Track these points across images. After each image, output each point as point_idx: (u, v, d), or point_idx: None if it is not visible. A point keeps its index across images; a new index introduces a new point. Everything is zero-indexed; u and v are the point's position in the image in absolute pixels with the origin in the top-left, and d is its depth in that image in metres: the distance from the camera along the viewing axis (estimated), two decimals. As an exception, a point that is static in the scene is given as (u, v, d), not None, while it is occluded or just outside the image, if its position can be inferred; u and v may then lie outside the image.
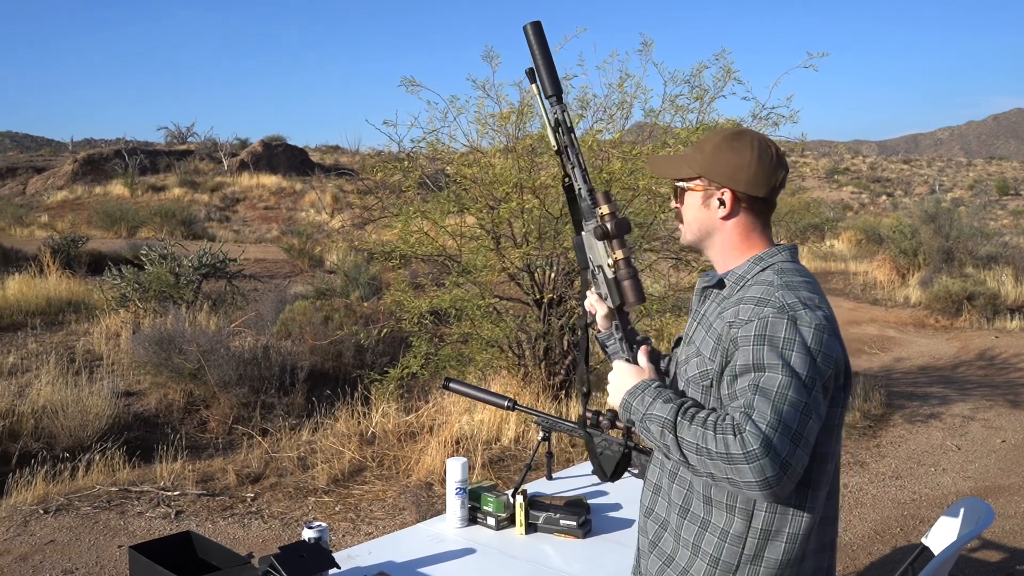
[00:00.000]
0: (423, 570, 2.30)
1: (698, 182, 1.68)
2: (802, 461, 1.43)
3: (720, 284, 1.69)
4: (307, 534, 2.10)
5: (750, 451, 1.39)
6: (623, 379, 1.67)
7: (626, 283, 1.76)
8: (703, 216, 1.69)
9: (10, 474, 5.24)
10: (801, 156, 43.75)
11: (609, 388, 1.70)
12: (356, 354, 8.05)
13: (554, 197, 5.99)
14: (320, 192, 27.87)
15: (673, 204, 1.76)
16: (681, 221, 1.74)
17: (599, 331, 1.90)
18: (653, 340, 1.99)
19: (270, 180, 30.48)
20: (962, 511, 2.77)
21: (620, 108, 6.10)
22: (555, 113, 1.84)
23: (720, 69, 6.08)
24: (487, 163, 6.09)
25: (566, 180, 1.87)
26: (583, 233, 1.85)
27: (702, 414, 1.50)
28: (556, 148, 1.88)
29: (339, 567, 1.94)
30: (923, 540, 2.91)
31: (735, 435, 1.41)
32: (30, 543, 4.41)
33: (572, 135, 1.85)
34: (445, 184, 6.46)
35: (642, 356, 1.72)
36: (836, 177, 47.77)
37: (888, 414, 7.16)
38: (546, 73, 1.84)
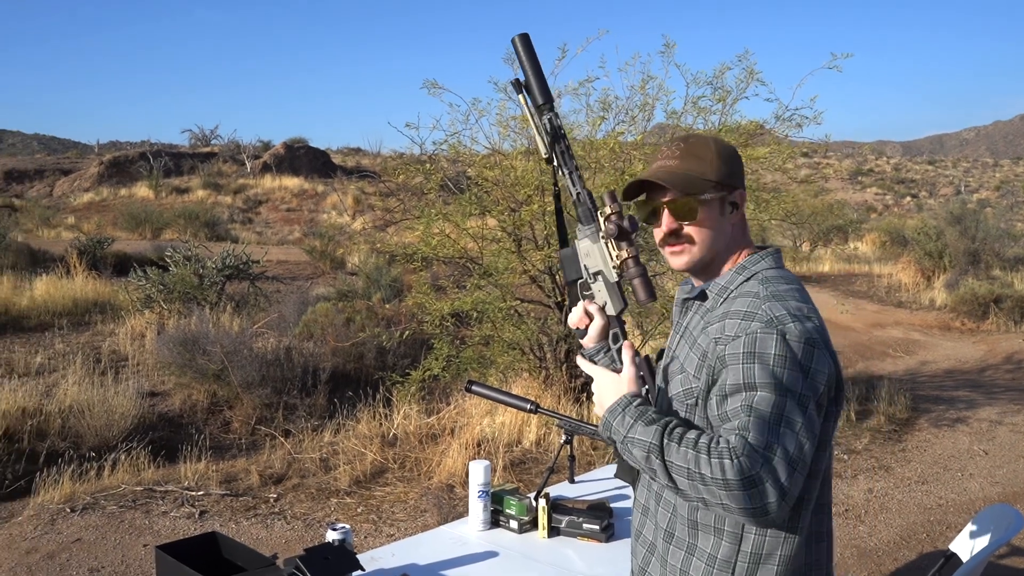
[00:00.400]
0: (446, 572, 2.30)
1: (713, 191, 1.60)
2: (799, 485, 1.38)
3: (703, 295, 1.63)
4: (331, 536, 2.11)
5: (747, 477, 1.33)
6: (604, 393, 1.56)
7: (636, 281, 1.67)
8: (721, 226, 1.61)
9: (38, 473, 5.31)
10: (824, 157, 43.42)
11: (594, 401, 1.60)
12: (378, 356, 8.08)
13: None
14: (342, 194, 28.03)
15: (671, 226, 1.62)
16: (686, 243, 1.62)
17: (586, 347, 1.78)
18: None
19: (292, 182, 30.71)
20: (991, 517, 2.73)
21: (642, 110, 6.08)
22: (548, 121, 1.81)
23: (743, 70, 6.06)
24: (508, 166, 6.09)
25: (555, 189, 1.85)
26: (578, 241, 1.76)
27: (691, 435, 1.42)
28: (547, 157, 1.84)
29: (363, 569, 1.95)
30: (951, 547, 2.87)
31: (732, 459, 1.34)
32: (57, 541, 4.46)
33: (566, 142, 1.83)
34: (466, 186, 6.47)
35: (627, 360, 1.59)
36: (860, 178, 47.34)
37: (913, 418, 7.08)
38: (536, 83, 1.83)
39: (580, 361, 1.70)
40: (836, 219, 16.99)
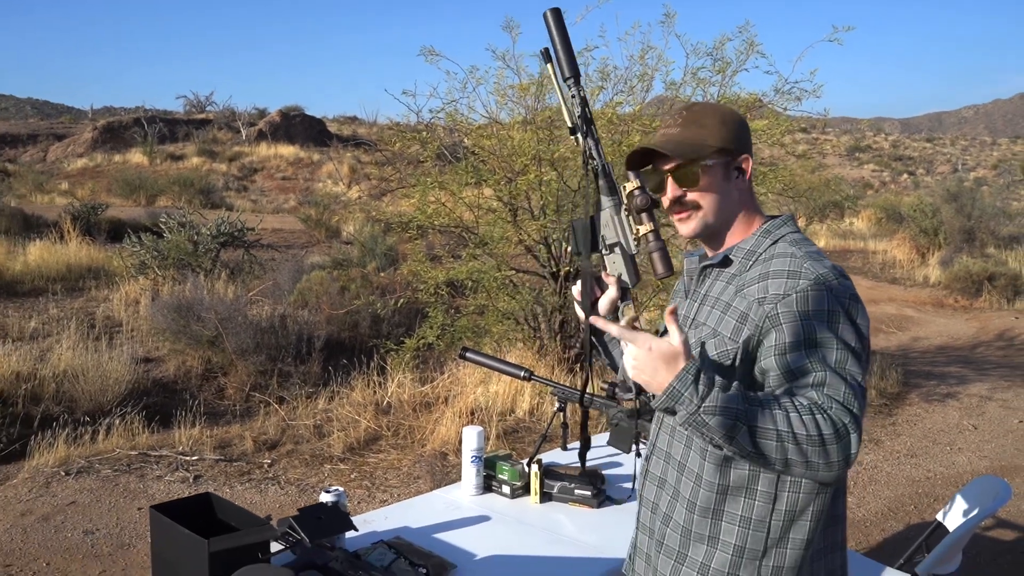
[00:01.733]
0: (439, 536, 2.32)
1: (720, 156, 1.60)
2: (858, 443, 1.42)
3: (726, 261, 1.63)
4: (325, 498, 2.12)
5: (840, 429, 1.36)
6: (657, 362, 1.42)
7: (655, 254, 1.66)
8: (727, 191, 1.62)
9: (32, 436, 5.33)
10: (823, 133, 43.26)
11: (635, 370, 1.46)
12: (372, 324, 8.09)
13: (572, 170, 5.96)
14: (337, 163, 27.87)
15: (675, 193, 1.63)
16: (691, 210, 1.62)
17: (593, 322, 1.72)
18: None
19: (288, 150, 30.51)
20: (979, 488, 2.76)
21: (641, 80, 6.04)
22: (575, 94, 1.83)
23: (743, 42, 6.01)
24: (505, 135, 6.06)
25: (591, 161, 1.84)
26: (602, 211, 1.80)
27: (771, 398, 1.40)
28: (572, 127, 1.85)
29: (356, 529, 1.96)
30: (938, 517, 2.91)
31: (824, 416, 1.36)
32: (52, 504, 4.49)
33: (590, 114, 1.85)
34: (463, 155, 6.43)
35: (675, 329, 1.45)
36: (857, 155, 47.22)
37: (905, 393, 7.13)
38: (564, 56, 1.85)
39: (605, 324, 1.59)
40: (833, 194, 16.94)
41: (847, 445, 1.37)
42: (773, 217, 1.66)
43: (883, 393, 6.94)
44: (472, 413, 5.71)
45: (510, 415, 5.91)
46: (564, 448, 3.09)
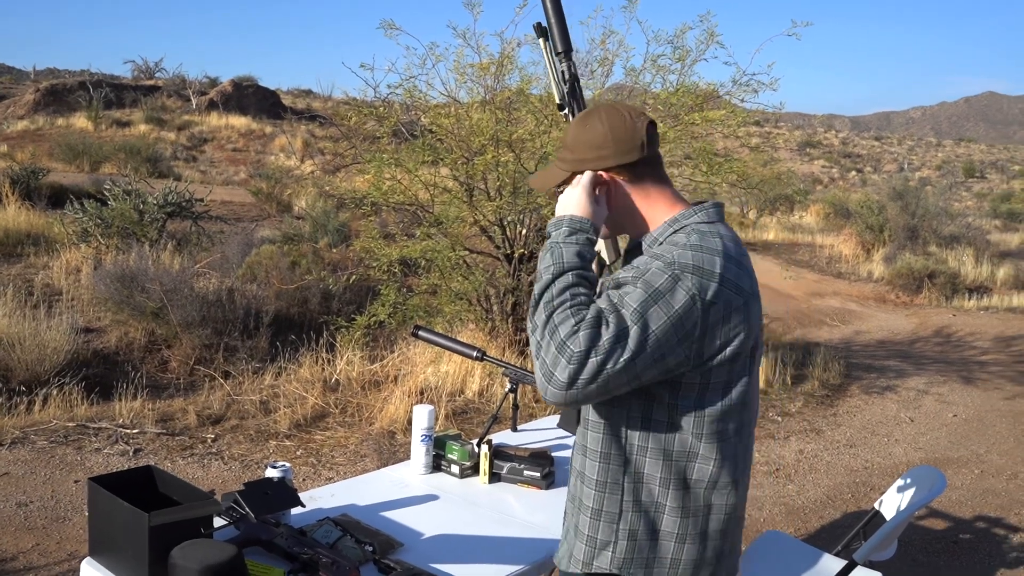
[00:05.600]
0: (386, 514, 2.30)
1: (577, 176, 1.64)
2: (589, 396, 1.43)
3: (638, 247, 1.66)
4: (271, 473, 2.08)
5: (576, 351, 1.39)
6: (572, 203, 1.59)
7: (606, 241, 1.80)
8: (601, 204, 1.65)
9: (-37, 405, 5.15)
10: (775, 127, 43.91)
11: (564, 196, 1.62)
12: (322, 301, 7.98)
13: (530, 152, 5.94)
14: (291, 136, 27.39)
15: None
16: None
17: None
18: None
19: (239, 121, 29.85)
20: (916, 477, 2.84)
21: (601, 64, 6.04)
22: (565, 70, 1.85)
23: (704, 31, 6.05)
24: (464, 114, 6.01)
25: None
26: None
27: (583, 291, 1.48)
28: (560, 104, 1.88)
29: (303, 505, 1.93)
30: (876, 505, 2.98)
31: (576, 325, 1.41)
32: (-17, 474, 4.35)
33: (580, 91, 1.87)
34: (420, 133, 6.36)
35: (605, 210, 1.63)
36: (808, 150, 48.07)
37: (846, 384, 7.30)
38: (558, 31, 1.87)
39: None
40: (784, 188, 17.21)
41: (561, 367, 1.39)
42: (698, 203, 1.65)
43: (825, 384, 7.10)
44: (422, 393, 5.69)
45: (460, 395, 5.90)
46: (514, 429, 3.08)
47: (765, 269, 11.57)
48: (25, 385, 5.65)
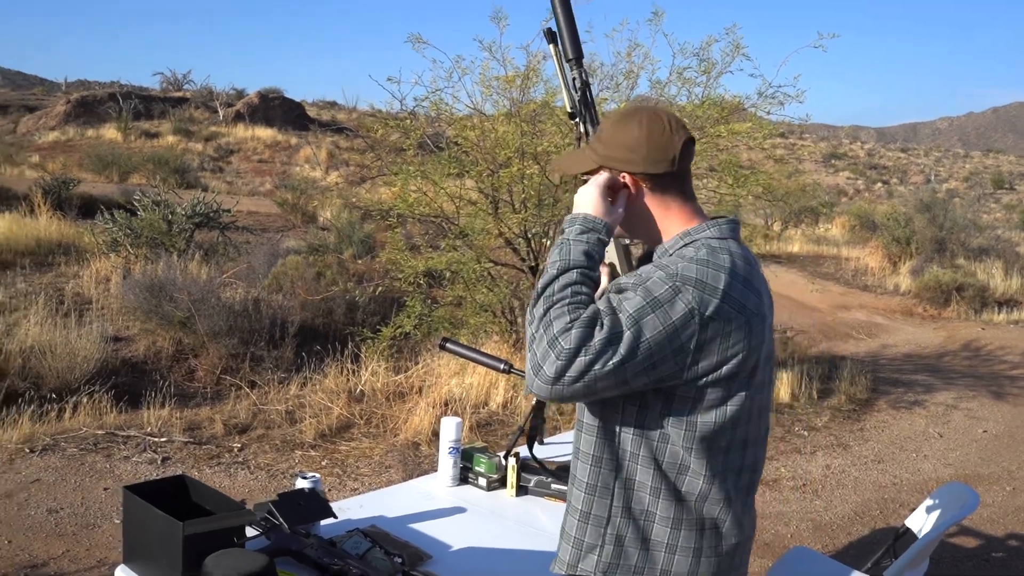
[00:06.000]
0: (414, 526, 2.31)
1: (601, 171, 1.62)
2: (576, 394, 1.43)
3: (648, 256, 1.66)
4: (301, 484, 2.10)
5: (566, 347, 1.39)
6: (588, 201, 1.59)
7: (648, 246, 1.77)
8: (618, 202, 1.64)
9: (-4, 412, 5.24)
10: (800, 138, 43.66)
11: (579, 194, 1.62)
12: (347, 312, 8.03)
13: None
14: (315, 148, 27.64)
15: None
16: None
17: None
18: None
19: (265, 133, 30.19)
20: (947, 495, 2.80)
21: (627, 78, 6.05)
22: (576, 77, 1.84)
23: (729, 44, 6.03)
24: (489, 127, 6.04)
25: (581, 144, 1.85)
26: None
27: (584, 290, 1.48)
28: (571, 112, 1.87)
29: (336, 517, 1.94)
30: (906, 522, 2.95)
31: (568, 322, 1.42)
32: (15, 481, 4.41)
33: (592, 99, 1.86)
34: (445, 145, 6.40)
35: (622, 212, 1.62)
36: (833, 161, 47.74)
37: (873, 399, 7.22)
38: (569, 37, 1.85)
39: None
40: (809, 200, 17.10)
41: (549, 363, 1.40)
42: (713, 218, 1.64)
43: (852, 399, 7.02)
44: (446, 404, 5.70)
45: (484, 407, 5.90)
46: (541, 443, 3.08)
47: (789, 281, 11.50)
48: (56, 392, 5.74)
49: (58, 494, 4.30)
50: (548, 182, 5.91)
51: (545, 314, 1.45)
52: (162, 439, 5.07)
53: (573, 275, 1.49)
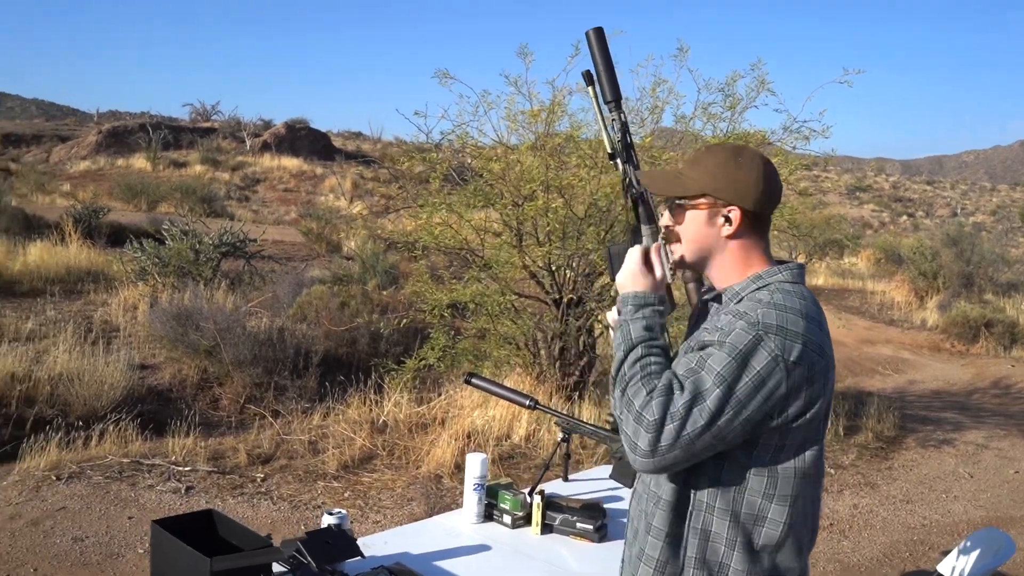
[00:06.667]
0: (438, 563, 2.29)
1: (703, 200, 1.63)
2: (678, 460, 1.45)
3: (718, 298, 1.66)
4: (328, 520, 2.10)
5: (651, 420, 1.43)
6: (634, 279, 1.64)
7: (691, 285, 1.79)
8: (706, 234, 1.64)
9: (24, 439, 5.29)
10: (824, 170, 43.50)
11: (619, 275, 1.67)
12: (371, 342, 8.06)
13: (580, 199, 5.98)
14: (340, 178, 27.92)
15: (664, 222, 1.71)
16: (675, 240, 1.69)
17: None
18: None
19: (291, 163, 30.59)
20: (981, 541, 2.74)
21: (652, 113, 6.07)
22: (616, 118, 1.85)
23: (754, 79, 6.05)
24: (514, 160, 6.08)
25: (627, 183, 1.85)
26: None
27: (654, 361, 1.51)
28: (611, 153, 1.87)
29: (363, 556, 1.94)
30: (938, 568, 2.89)
31: (647, 394, 1.46)
32: (42, 508, 4.44)
33: (631, 139, 1.87)
34: (470, 178, 6.45)
35: (657, 264, 1.66)
36: (858, 194, 47.46)
37: (901, 437, 7.11)
38: (607, 79, 1.87)
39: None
40: (834, 232, 16.99)
41: (637, 432, 1.45)
42: (781, 262, 1.65)
43: (880, 436, 6.92)
44: (469, 436, 5.68)
45: (506, 440, 5.88)
46: (566, 479, 3.06)
47: (815, 315, 11.36)
48: (83, 420, 5.79)
49: (83, 522, 4.32)
50: (572, 215, 5.93)
51: (623, 395, 1.50)
52: (186, 468, 5.09)
53: (639, 351, 1.54)
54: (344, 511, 2.14)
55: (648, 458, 1.44)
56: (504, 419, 5.92)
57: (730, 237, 1.63)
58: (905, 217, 42.19)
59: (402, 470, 5.35)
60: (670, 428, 1.43)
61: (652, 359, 1.52)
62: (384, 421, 6.03)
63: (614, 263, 1.79)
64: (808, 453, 1.55)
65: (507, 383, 6.30)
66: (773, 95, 6.09)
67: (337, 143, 38.00)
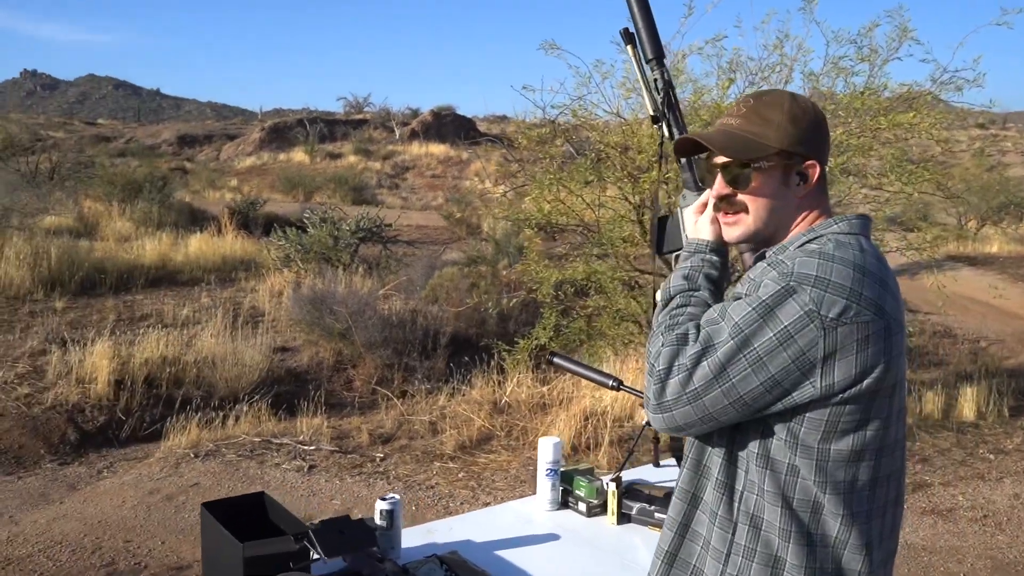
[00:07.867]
0: (501, 553, 2.20)
1: (775, 159, 1.39)
2: (689, 419, 1.31)
3: (763, 254, 1.45)
4: (380, 506, 2.05)
5: (659, 369, 1.31)
6: (690, 224, 1.55)
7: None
8: (782, 197, 1.40)
9: (170, 418, 5.66)
10: (1003, 128, 39.69)
11: (688, 222, 1.57)
12: (500, 321, 8.09)
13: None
14: (485, 161, 28.29)
15: (722, 191, 1.43)
16: (741, 212, 1.42)
17: None
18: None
19: (438, 149, 31.30)
20: None
21: (775, 71, 5.66)
22: (658, 77, 1.70)
23: (895, 27, 5.51)
24: (631, 131, 5.85)
25: (660, 150, 1.71)
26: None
27: (684, 310, 1.40)
28: (654, 115, 1.72)
29: (378, 547, 1.88)
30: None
31: (662, 344, 1.34)
32: (178, 484, 4.73)
33: (676, 100, 1.72)
34: (587, 152, 6.28)
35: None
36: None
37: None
38: (647, 35, 1.73)
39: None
40: (1011, 195, 15.39)
41: (648, 383, 1.33)
42: (843, 216, 1.42)
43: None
44: (587, 418, 5.56)
45: (628, 421, 5.71)
46: (656, 465, 2.89)
47: (980, 285, 10.37)
48: (224, 400, 6.14)
49: (211, 498, 4.53)
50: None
51: (648, 345, 1.40)
52: (311, 447, 5.27)
53: (674, 302, 1.43)
54: (397, 497, 2.08)
55: (655, 413, 1.32)
56: (626, 400, 5.74)
57: (804, 197, 1.41)
58: (1104, 174, 37.86)
59: (518, 451, 5.30)
60: (675, 380, 1.29)
61: (684, 309, 1.41)
62: (505, 401, 6.01)
63: (661, 235, 1.64)
64: (870, 433, 1.31)
65: (629, 363, 6.12)
66: (918, 43, 5.52)
67: (483, 127, 38.45)
